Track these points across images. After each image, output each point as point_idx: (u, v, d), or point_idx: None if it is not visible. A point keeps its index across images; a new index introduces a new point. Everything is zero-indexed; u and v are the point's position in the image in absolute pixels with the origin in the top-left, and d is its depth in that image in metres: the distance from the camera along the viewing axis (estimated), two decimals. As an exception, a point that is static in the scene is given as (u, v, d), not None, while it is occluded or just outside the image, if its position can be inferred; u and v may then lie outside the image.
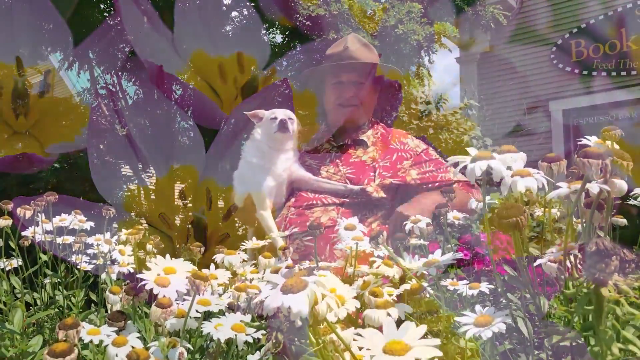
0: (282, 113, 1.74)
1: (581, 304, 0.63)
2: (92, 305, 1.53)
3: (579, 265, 0.71)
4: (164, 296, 0.83)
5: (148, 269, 0.85)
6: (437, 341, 0.54)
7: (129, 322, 0.91)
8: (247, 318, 0.93)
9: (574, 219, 0.86)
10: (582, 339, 0.65)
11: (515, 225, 0.71)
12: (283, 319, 0.74)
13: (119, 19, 2.90)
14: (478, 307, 0.78)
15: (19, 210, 1.39)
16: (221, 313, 0.97)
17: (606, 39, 7.00)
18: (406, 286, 0.92)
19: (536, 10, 7.54)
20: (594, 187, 0.74)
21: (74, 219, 1.49)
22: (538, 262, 0.84)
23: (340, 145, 1.87)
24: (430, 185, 1.77)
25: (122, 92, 3.17)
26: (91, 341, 0.84)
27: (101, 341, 0.85)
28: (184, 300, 0.95)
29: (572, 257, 0.73)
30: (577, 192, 0.76)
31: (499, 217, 0.72)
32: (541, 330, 0.78)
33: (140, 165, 3.01)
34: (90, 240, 1.42)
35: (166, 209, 2.81)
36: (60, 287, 1.48)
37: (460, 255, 0.96)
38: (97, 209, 1.91)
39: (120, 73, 3.16)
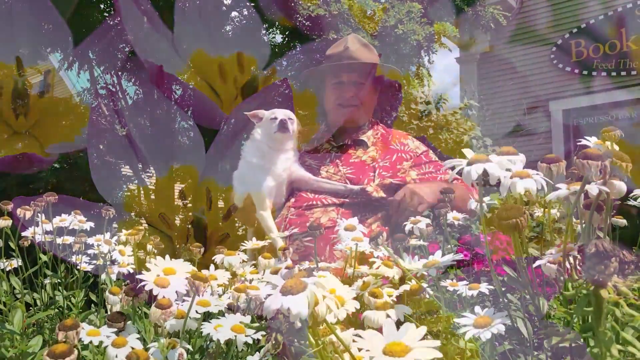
0: (282, 113, 1.74)
1: (581, 305, 0.63)
2: (92, 305, 1.53)
3: (578, 267, 0.71)
4: (164, 297, 0.83)
5: (148, 269, 0.85)
6: (437, 342, 0.54)
7: (129, 322, 0.91)
8: (247, 319, 0.93)
9: (574, 220, 0.86)
10: (582, 340, 0.65)
11: (515, 227, 0.71)
12: (283, 320, 0.74)
13: (119, 19, 2.90)
14: (477, 309, 0.78)
15: (19, 210, 1.39)
16: (221, 314, 0.97)
17: (606, 39, 7.00)
18: (406, 287, 0.92)
19: (536, 10, 7.54)
20: (593, 189, 0.74)
21: (73, 220, 1.49)
22: (537, 263, 0.84)
23: (340, 145, 1.87)
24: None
25: (122, 92, 3.17)
26: (91, 342, 0.84)
27: (101, 342, 0.85)
28: (184, 301, 0.95)
29: (571, 259, 0.73)
30: (577, 193, 0.76)
31: (499, 219, 0.72)
32: (541, 332, 0.78)
33: (140, 165, 3.02)
34: (90, 240, 1.42)
35: (166, 209, 2.81)
36: (60, 287, 1.48)
37: (460, 256, 0.96)
38: (97, 209, 1.91)
39: (120, 73, 3.17)
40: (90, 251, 1.44)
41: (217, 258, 1.27)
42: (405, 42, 3.11)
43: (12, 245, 1.45)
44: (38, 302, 1.50)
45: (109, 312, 1.10)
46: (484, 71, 7.74)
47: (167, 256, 0.90)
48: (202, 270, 1.04)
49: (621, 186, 0.75)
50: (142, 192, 2.92)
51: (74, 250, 1.45)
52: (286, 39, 3.51)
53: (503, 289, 1.13)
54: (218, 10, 3.25)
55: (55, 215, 1.49)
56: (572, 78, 7.18)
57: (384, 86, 1.96)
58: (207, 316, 0.97)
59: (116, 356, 0.83)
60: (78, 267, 1.47)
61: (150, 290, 0.82)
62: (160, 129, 3.06)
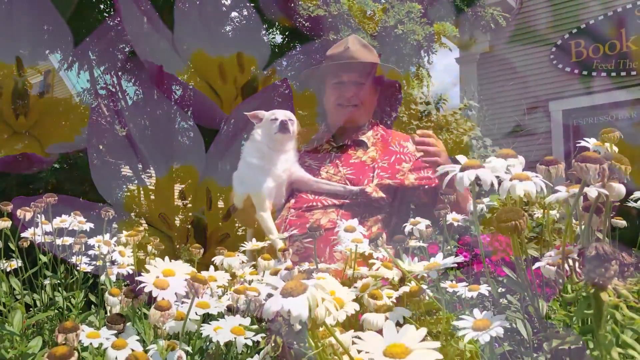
0: (282, 114, 1.73)
1: (581, 308, 0.63)
2: (92, 306, 1.53)
3: (578, 269, 0.71)
4: (163, 299, 0.83)
5: (147, 270, 0.85)
6: (437, 344, 0.55)
7: (128, 324, 0.91)
8: (247, 321, 0.93)
9: (573, 221, 0.86)
10: (582, 343, 0.65)
11: (514, 229, 0.71)
12: (282, 322, 0.74)
13: (119, 19, 2.90)
14: (476, 311, 0.78)
15: (19, 212, 1.39)
16: (220, 315, 0.97)
17: (606, 40, 6.99)
18: (405, 288, 0.92)
19: (536, 11, 7.53)
20: (592, 192, 0.74)
21: (73, 221, 1.49)
22: (537, 264, 0.84)
23: (340, 145, 1.87)
24: (427, 187, 1.77)
25: (122, 93, 3.17)
26: (91, 344, 0.84)
27: (101, 344, 0.85)
28: (183, 302, 0.95)
29: (571, 261, 0.73)
30: (575, 196, 0.76)
31: (498, 221, 0.72)
32: (540, 335, 0.78)
33: (140, 166, 3.02)
34: (91, 241, 1.42)
35: (166, 209, 2.81)
36: (60, 288, 1.48)
37: (461, 258, 0.96)
38: (97, 209, 1.91)
39: (120, 73, 3.17)
40: (90, 252, 1.44)
41: (217, 259, 1.27)
42: (405, 43, 3.11)
43: (11, 246, 1.45)
44: (38, 303, 1.50)
45: (108, 313, 1.10)
46: (483, 71, 7.74)
47: (167, 257, 0.90)
48: (201, 271, 1.04)
49: (620, 189, 0.75)
50: (142, 192, 2.92)
51: (74, 251, 1.45)
52: (286, 39, 3.51)
53: (503, 290, 1.13)
54: (218, 11, 3.25)
55: (55, 215, 1.49)
56: (572, 78, 7.17)
57: (384, 86, 1.96)
58: (207, 318, 0.97)
59: (116, 358, 0.83)
60: (78, 268, 1.47)
61: (150, 292, 0.82)
62: (160, 129, 3.06)
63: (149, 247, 1.47)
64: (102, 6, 3.32)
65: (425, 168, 1.80)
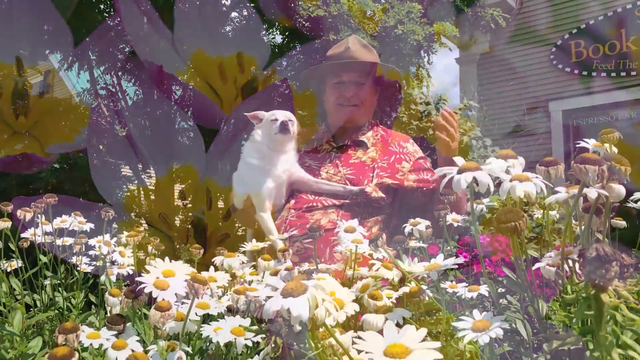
0: (282, 114, 1.74)
1: (581, 309, 0.63)
2: (92, 307, 1.53)
3: (578, 270, 0.71)
4: (163, 299, 0.83)
5: (147, 271, 0.85)
6: (438, 344, 0.55)
7: (128, 325, 0.91)
8: (247, 322, 0.93)
9: (573, 222, 0.86)
10: (582, 344, 0.65)
11: (514, 230, 0.71)
12: (282, 322, 0.74)
13: (119, 19, 2.90)
14: (476, 312, 0.79)
15: (19, 212, 1.39)
16: (220, 316, 0.97)
17: (606, 40, 6.99)
18: (405, 289, 0.92)
19: (536, 11, 7.53)
20: (591, 193, 0.74)
21: (73, 221, 1.49)
22: (537, 265, 0.84)
23: (340, 146, 1.87)
24: (425, 189, 1.77)
25: (122, 93, 3.17)
26: (91, 344, 0.84)
27: (101, 345, 0.85)
28: (183, 303, 0.95)
29: (570, 262, 0.73)
30: (575, 197, 0.76)
31: (498, 221, 0.72)
32: (540, 336, 0.78)
33: (140, 166, 3.02)
34: (91, 241, 1.43)
35: (166, 209, 2.82)
36: (60, 288, 1.48)
37: (462, 259, 0.96)
38: (97, 209, 1.91)
39: (120, 73, 3.17)
40: (90, 252, 1.44)
41: (217, 260, 1.27)
42: (405, 43, 3.11)
43: (12, 246, 1.45)
44: (38, 303, 1.50)
45: (108, 314, 1.10)
46: (483, 72, 7.74)
47: (167, 258, 0.90)
48: (201, 272, 1.04)
49: (620, 190, 0.75)
50: (142, 192, 2.93)
51: (74, 252, 1.45)
52: (286, 39, 3.51)
53: (502, 291, 1.13)
54: (218, 11, 3.25)
55: (55, 215, 1.49)
56: (571, 78, 7.17)
57: (384, 86, 1.96)
58: (207, 318, 0.97)
59: (116, 359, 0.83)
60: (78, 269, 1.47)
61: (150, 293, 0.82)
62: (160, 129, 3.06)
63: (149, 248, 1.47)
64: (102, 6, 3.32)
65: (425, 169, 1.81)
